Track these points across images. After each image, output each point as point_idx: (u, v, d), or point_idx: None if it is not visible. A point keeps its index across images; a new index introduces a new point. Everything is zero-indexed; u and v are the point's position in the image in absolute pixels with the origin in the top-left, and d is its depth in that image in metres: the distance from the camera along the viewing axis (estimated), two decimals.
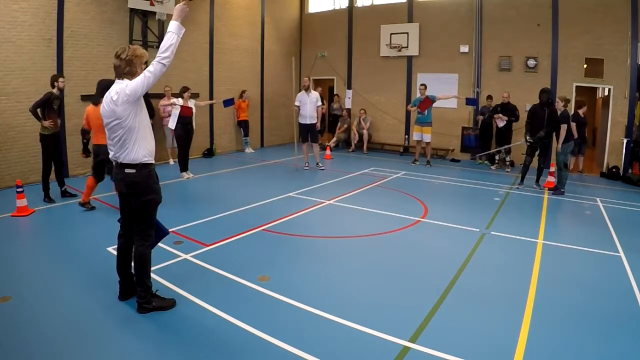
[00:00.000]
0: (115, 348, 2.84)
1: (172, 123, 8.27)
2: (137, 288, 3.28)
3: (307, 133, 9.34)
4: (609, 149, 9.85)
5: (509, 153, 10.22)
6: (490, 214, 6.32)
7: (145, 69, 3.11)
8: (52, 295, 3.52)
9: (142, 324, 3.13)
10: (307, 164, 9.61)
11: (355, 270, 4.29)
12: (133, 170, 3.10)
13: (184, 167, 8.46)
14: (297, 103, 9.35)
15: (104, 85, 5.38)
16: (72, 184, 7.16)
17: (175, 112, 8.21)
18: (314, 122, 9.24)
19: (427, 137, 10.32)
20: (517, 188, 8.04)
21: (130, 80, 3.04)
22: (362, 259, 4.58)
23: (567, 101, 7.62)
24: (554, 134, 7.68)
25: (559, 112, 7.51)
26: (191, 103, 8.52)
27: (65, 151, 7.93)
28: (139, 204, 3.17)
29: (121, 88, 3.00)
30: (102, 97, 5.29)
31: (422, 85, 10.46)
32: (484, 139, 10.82)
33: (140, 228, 3.22)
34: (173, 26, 2.96)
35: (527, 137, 7.93)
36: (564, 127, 7.41)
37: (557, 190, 7.68)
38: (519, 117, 9.74)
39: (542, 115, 7.68)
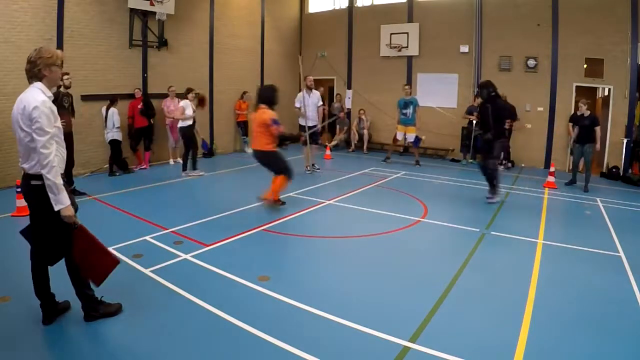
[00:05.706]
0: (113, 348, 2.85)
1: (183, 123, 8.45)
2: (79, 299, 3.11)
3: (311, 135, 8.85)
4: (609, 149, 9.84)
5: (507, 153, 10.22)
6: (490, 214, 6.32)
7: (61, 72, 3.04)
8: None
9: (141, 324, 3.13)
10: (309, 167, 9.16)
11: (355, 270, 4.29)
12: (39, 182, 2.85)
13: (185, 166, 8.58)
14: (297, 104, 8.93)
15: (267, 93, 6.06)
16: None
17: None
18: (316, 124, 8.95)
19: (411, 137, 10.29)
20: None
21: (37, 83, 2.88)
22: (362, 259, 4.59)
23: (588, 103, 7.95)
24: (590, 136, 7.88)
25: (585, 115, 7.84)
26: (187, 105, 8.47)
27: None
28: (51, 218, 2.87)
29: (29, 104, 2.75)
30: (263, 103, 5.93)
31: (406, 85, 10.50)
32: (466, 139, 10.91)
33: (59, 242, 2.99)
34: (63, 200, 2.81)
35: (480, 133, 7.39)
36: (598, 129, 7.79)
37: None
38: (516, 116, 9.72)
39: (486, 112, 6.92)
